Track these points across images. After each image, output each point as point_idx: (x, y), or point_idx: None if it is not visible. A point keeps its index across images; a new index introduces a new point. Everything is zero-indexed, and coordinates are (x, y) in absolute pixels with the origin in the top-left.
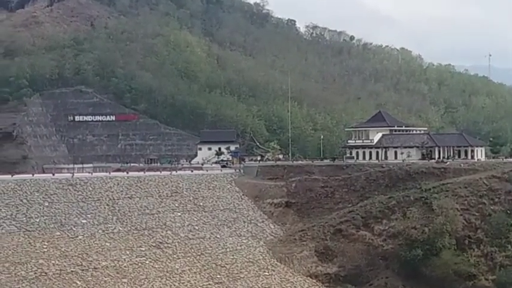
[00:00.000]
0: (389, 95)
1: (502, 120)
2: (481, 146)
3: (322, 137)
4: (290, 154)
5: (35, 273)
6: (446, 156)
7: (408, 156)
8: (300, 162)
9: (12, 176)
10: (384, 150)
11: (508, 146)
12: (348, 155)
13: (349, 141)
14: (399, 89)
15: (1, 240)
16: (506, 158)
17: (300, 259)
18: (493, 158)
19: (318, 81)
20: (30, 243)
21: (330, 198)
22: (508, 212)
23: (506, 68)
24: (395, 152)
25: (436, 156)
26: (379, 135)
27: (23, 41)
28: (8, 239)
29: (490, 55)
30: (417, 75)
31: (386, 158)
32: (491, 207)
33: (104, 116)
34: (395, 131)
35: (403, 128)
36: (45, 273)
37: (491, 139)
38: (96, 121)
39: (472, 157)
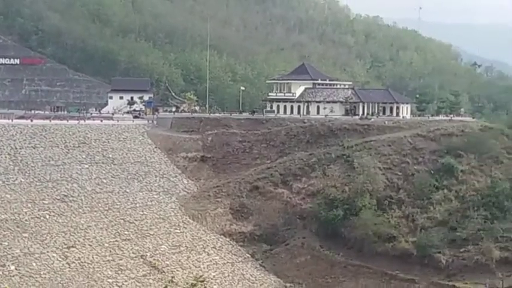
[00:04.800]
0: (314, 46)
1: (429, 77)
2: (407, 103)
3: (242, 88)
4: (207, 106)
5: None
6: (370, 113)
7: (331, 111)
8: (218, 114)
9: None
10: (306, 104)
11: (435, 103)
12: (268, 108)
13: (270, 94)
14: (324, 40)
15: None
16: (432, 116)
17: (214, 216)
18: (419, 115)
19: (239, 30)
20: None
21: (248, 153)
22: (432, 172)
23: (437, 22)
24: (318, 107)
25: (360, 112)
26: (302, 88)
27: None
28: None
29: (421, 8)
30: (344, 27)
31: (308, 113)
32: (415, 167)
33: (7, 59)
34: (319, 84)
35: (327, 81)
36: None
37: (417, 96)
38: None
39: (398, 114)
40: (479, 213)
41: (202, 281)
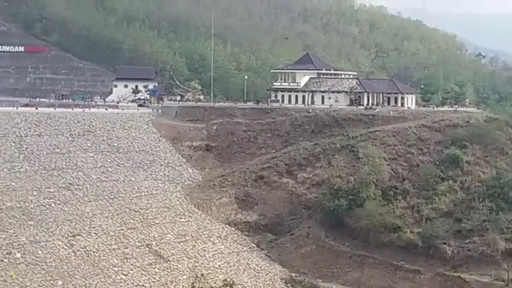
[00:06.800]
0: (318, 36)
1: (434, 67)
2: (412, 94)
3: (246, 78)
4: (212, 95)
5: None
6: (375, 103)
7: (336, 101)
8: (222, 104)
9: None
10: (310, 94)
11: (440, 94)
12: (273, 98)
13: (274, 83)
14: (329, 30)
15: None
16: (437, 106)
17: (219, 206)
18: (424, 106)
19: (243, 19)
20: None
21: (253, 143)
22: (437, 163)
23: (441, 12)
24: (323, 97)
25: (365, 102)
26: (306, 78)
27: None
28: None
29: None
30: (348, 17)
31: (313, 102)
32: (420, 158)
33: (12, 47)
34: (323, 74)
35: (332, 71)
36: None
37: (422, 86)
38: (3, 51)
39: (402, 105)
40: (484, 204)
41: (232, 285)
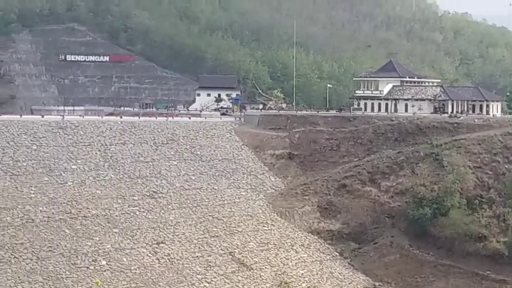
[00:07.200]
0: (401, 43)
1: None
2: (497, 101)
3: (328, 86)
4: (294, 103)
5: (22, 219)
6: (459, 111)
7: (419, 109)
8: (304, 112)
9: None
10: (393, 102)
11: None
12: (356, 106)
13: (357, 91)
14: (412, 37)
15: None
16: None
17: (302, 214)
18: (510, 113)
19: (325, 27)
20: (16, 187)
21: (335, 151)
22: None
23: None
24: (406, 105)
25: (449, 110)
26: (389, 86)
27: None
28: None
29: (510, 4)
30: (432, 24)
31: (396, 110)
32: (506, 166)
33: (97, 56)
34: (407, 82)
35: (415, 79)
36: (32, 220)
37: (508, 94)
38: (89, 61)
39: (487, 112)
40: None
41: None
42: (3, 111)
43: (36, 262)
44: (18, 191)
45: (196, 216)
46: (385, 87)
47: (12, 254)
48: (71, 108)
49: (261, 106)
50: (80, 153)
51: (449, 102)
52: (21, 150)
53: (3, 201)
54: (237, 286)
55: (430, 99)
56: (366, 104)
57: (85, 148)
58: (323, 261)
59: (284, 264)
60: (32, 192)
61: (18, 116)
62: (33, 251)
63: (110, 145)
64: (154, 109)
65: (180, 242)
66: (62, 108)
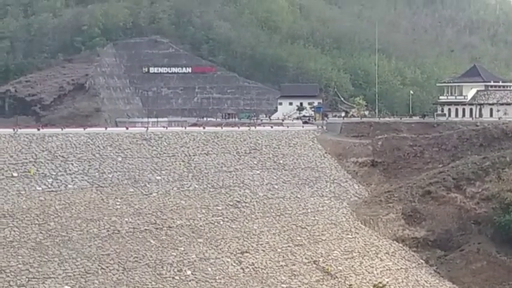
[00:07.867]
0: (485, 47)
1: None
2: None
3: (411, 92)
4: (376, 110)
5: (108, 230)
6: None
7: (505, 114)
8: (387, 119)
9: (84, 129)
10: (478, 107)
11: None
12: (439, 112)
13: (440, 97)
14: (496, 41)
15: (73, 196)
16: None
17: (386, 222)
18: None
19: (407, 33)
20: (102, 199)
21: (419, 157)
22: None
23: None
24: (491, 110)
25: None
26: (474, 91)
27: None
28: (80, 195)
29: None
30: None
31: (480, 115)
32: None
33: (180, 68)
34: (491, 86)
35: (500, 83)
36: (118, 231)
37: None
38: (172, 73)
39: None
40: None
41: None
42: (89, 124)
43: (123, 273)
44: (104, 202)
45: (280, 225)
46: (469, 92)
47: (99, 265)
48: (155, 119)
49: (343, 114)
50: (164, 164)
51: None
52: (107, 162)
53: (89, 212)
54: None
55: None
56: (449, 109)
57: (169, 159)
58: (408, 269)
59: (369, 273)
60: (118, 203)
61: (104, 129)
62: (119, 262)
63: (194, 155)
64: (236, 119)
65: (264, 251)
66: (145, 120)
